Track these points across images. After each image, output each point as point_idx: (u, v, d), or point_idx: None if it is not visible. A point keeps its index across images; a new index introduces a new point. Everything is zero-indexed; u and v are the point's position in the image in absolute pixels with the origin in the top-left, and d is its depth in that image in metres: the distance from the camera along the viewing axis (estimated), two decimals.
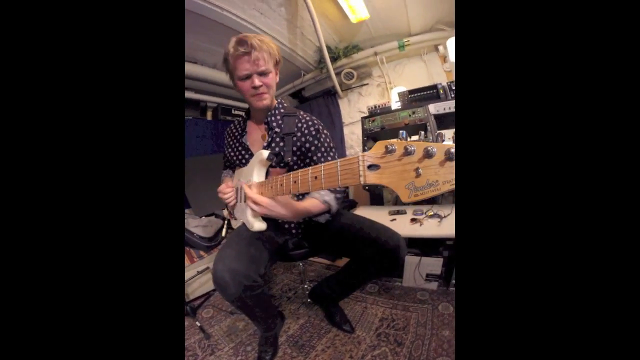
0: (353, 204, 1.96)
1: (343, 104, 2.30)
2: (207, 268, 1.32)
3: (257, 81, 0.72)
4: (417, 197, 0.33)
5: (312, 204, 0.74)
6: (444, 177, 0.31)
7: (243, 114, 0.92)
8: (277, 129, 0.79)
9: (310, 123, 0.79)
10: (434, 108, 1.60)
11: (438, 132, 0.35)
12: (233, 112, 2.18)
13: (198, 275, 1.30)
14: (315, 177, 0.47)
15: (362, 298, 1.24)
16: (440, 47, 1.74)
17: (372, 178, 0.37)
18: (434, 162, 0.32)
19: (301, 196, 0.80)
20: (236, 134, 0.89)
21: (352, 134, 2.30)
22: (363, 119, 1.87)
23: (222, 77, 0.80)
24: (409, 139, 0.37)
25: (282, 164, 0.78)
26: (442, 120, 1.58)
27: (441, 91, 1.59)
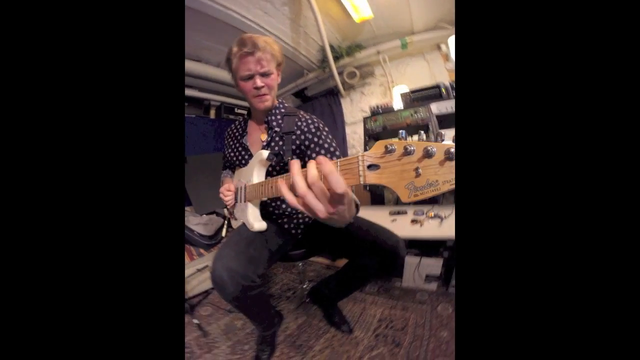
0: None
1: (345, 103, 2.29)
2: (207, 266, 1.32)
3: (259, 82, 0.72)
4: (417, 197, 0.33)
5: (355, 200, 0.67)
6: (444, 177, 0.31)
7: (245, 113, 0.92)
8: (277, 129, 0.79)
9: (310, 121, 0.79)
10: (436, 108, 1.59)
11: (438, 131, 0.35)
12: (236, 110, 2.19)
13: (197, 273, 1.30)
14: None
15: (361, 298, 1.23)
16: (443, 46, 1.73)
17: (372, 178, 0.37)
18: (434, 162, 0.32)
19: None
20: (237, 134, 0.90)
21: (354, 134, 2.30)
22: (365, 118, 1.86)
23: (226, 75, 0.80)
24: (408, 139, 0.37)
25: (281, 164, 0.78)
26: (444, 120, 1.57)
27: (443, 91, 1.58)
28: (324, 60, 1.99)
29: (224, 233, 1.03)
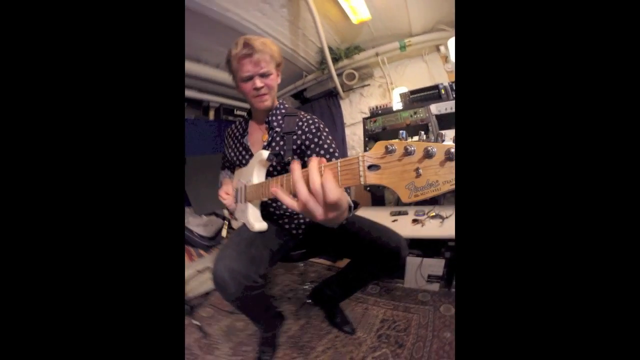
0: (355, 205, 1.95)
1: (345, 105, 2.30)
2: (207, 267, 1.32)
3: (258, 82, 0.73)
4: (417, 197, 0.33)
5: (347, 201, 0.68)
6: (444, 177, 0.31)
7: (245, 114, 0.92)
8: (277, 129, 0.80)
9: (310, 121, 0.79)
10: (435, 108, 1.60)
11: (438, 132, 0.35)
12: (235, 112, 2.19)
13: (197, 275, 1.29)
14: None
15: (363, 299, 1.23)
16: (442, 48, 1.74)
17: (372, 178, 0.37)
18: (434, 162, 0.32)
19: None
20: (237, 134, 0.90)
21: (354, 135, 2.30)
22: (364, 119, 1.87)
23: (225, 77, 0.81)
24: (409, 139, 0.37)
25: (282, 164, 0.78)
26: (443, 121, 1.57)
27: (442, 91, 1.59)
28: (322, 62, 2.00)
29: (224, 234, 1.03)
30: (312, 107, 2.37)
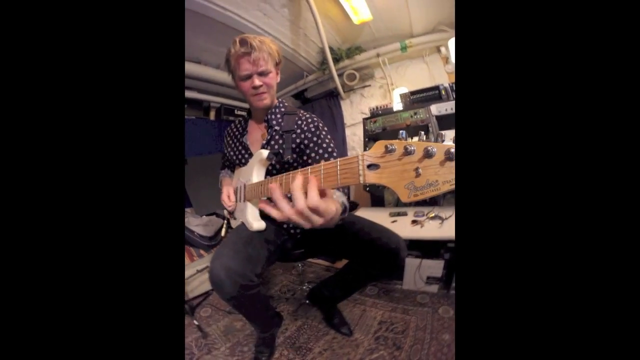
0: (354, 206, 1.95)
1: (345, 105, 2.30)
2: (207, 267, 1.32)
3: (257, 81, 0.73)
4: (417, 197, 0.33)
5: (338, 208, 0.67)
6: (444, 177, 0.31)
7: (245, 114, 0.92)
8: (276, 127, 0.80)
9: (309, 120, 0.79)
10: (435, 109, 1.59)
11: (438, 132, 0.35)
12: (236, 112, 2.19)
13: (197, 274, 1.30)
14: (315, 176, 0.46)
15: (362, 300, 1.22)
16: (443, 49, 1.74)
17: (371, 177, 0.37)
18: (434, 162, 0.32)
19: None
20: (237, 133, 0.90)
21: (354, 135, 2.30)
22: (364, 120, 1.86)
23: (225, 77, 0.81)
24: (409, 140, 0.37)
25: (281, 163, 0.78)
26: (443, 121, 1.57)
27: (443, 92, 1.58)
28: (323, 62, 2.00)
29: (223, 233, 1.03)
30: (313, 107, 2.37)
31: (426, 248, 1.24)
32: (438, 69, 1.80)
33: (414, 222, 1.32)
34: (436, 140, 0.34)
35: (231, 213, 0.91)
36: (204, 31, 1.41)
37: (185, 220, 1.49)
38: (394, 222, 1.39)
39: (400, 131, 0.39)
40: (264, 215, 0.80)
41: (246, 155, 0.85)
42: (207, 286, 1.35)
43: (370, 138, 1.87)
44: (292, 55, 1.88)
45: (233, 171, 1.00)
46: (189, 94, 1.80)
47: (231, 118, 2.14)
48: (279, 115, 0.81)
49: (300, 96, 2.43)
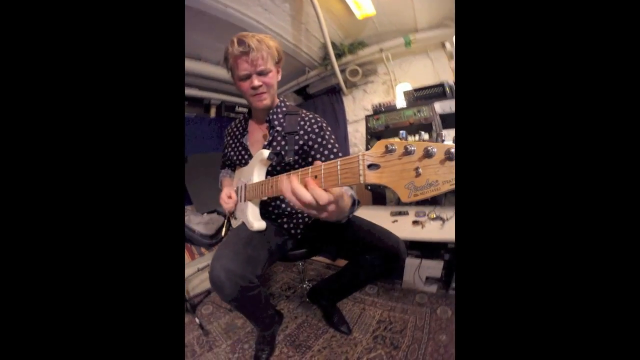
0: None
1: (347, 102, 2.27)
2: (208, 265, 1.34)
3: (256, 81, 0.71)
4: (417, 197, 0.33)
5: (347, 199, 0.63)
6: (444, 176, 0.31)
7: (245, 112, 0.91)
8: (278, 128, 0.79)
9: (313, 121, 0.78)
10: (439, 107, 1.56)
11: (438, 132, 0.35)
12: (237, 109, 2.18)
13: (198, 272, 1.32)
14: (315, 177, 0.46)
15: (361, 299, 1.24)
16: (447, 44, 1.69)
17: (372, 177, 0.37)
18: (434, 162, 0.32)
19: None
20: (237, 133, 0.89)
21: (357, 132, 2.28)
22: (367, 117, 1.84)
23: (226, 74, 0.80)
24: (409, 138, 0.36)
25: (282, 164, 0.77)
26: (447, 120, 1.54)
27: (447, 90, 1.56)
28: (325, 57, 1.97)
29: (223, 233, 1.04)
30: (315, 103, 2.34)
31: (426, 248, 1.24)
32: (443, 65, 1.76)
33: (414, 222, 1.31)
34: (436, 140, 0.34)
35: (232, 213, 0.91)
36: (203, 27, 1.39)
37: (187, 218, 1.51)
38: (394, 221, 1.39)
39: (401, 131, 0.39)
40: (264, 215, 0.81)
41: (246, 156, 0.85)
42: (208, 284, 1.36)
43: (373, 136, 1.85)
44: (294, 50, 1.85)
45: (233, 170, 1.00)
46: (189, 91, 1.79)
47: (232, 115, 2.13)
48: (280, 116, 0.80)
49: (302, 92, 2.41)
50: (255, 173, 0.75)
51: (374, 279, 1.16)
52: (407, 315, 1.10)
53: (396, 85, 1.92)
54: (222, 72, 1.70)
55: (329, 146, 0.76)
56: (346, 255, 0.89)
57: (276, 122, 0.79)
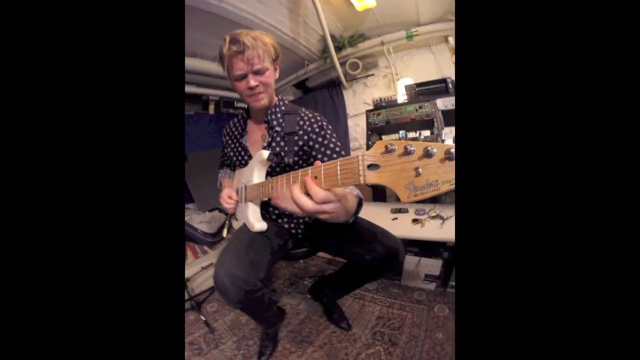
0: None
1: (348, 95, 2.23)
2: (211, 264, 1.37)
3: (252, 82, 0.69)
4: (417, 197, 0.34)
5: (353, 198, 0.62)
6: (444, 176, 0.31)
7: (243, 111, 0.90)
8: (277, 128, 0.78)
9: (312, 120, 0.77)
10: (441, 103, 1.54)
11: (438, 132, 0.35)
12: (236, 104, 2.15)
13: (202, 271, 1.35)
14: (315, 177, 0.47)
15: (361, 295, 1.27)
16: (450, 39, 1.64)
17: (371, 177, 0.37)
18: (434, 162, 0.32)
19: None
20: (236, 133, 0.88)
21: (357, 126, 2.25)
22: (367, 112, 1.82)
23: (223, 69, 0.77)
24: (410, 136, 0.36)
25: (282, 165, 0.77)
26: (449, 117, 1.52)
27: (450, 86, 1.52)
28: (325, 50, 1.92)
29: (224, 234, 1.05)
30: (315, 97, 2.30)
31: (425, 246, 1.26)
32: (445, 60, 1.72)
33: (414, 220, 1.33)
34: (436, 140, 0.34)
35: (232, 214, 0.92)
36: (198, 23, 1.34)
37: (189, 217, 1.53)
38: (394, 219, 1.41)
39: (400, 131, 0.39)
40: (264, 216, 0.81)
41: (246, 157, 0.84)
42: (212, 282, 1.40)
43: (374, 131, 1.83)
44: (292, 44, 1.80)
45: (232, 170, 1.00)
46: (186, 88, 1.77)
47: (231, 111, 2.11)
48: (279, 115, 0.78)
49: (301, 86, 2.36)
50: (256, 174, 0.74)
51: (372, 278, 1.18)
52: (405, 312, 1.13)
53: (398, 80, 1.88)
54: (219, 68, 1.67)
55: (331, 145, 0.75)
56: (346, 255, 0.91)
57: (275, 123, 0.78)
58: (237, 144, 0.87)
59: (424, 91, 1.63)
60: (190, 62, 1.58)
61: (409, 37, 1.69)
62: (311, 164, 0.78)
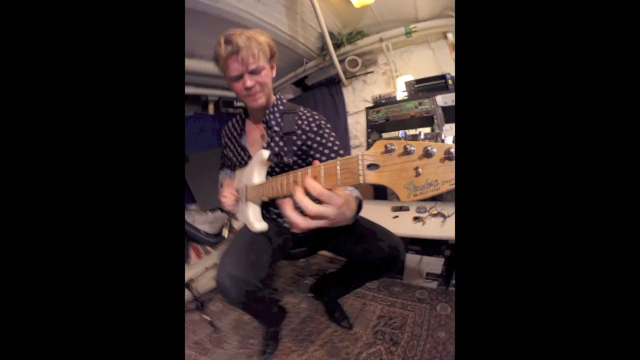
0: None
1: (347, 93, 2.21)
2: (215, 264, 1.38)
3: (248, 82, 0.69)
4: (417, 197, 0.34)
5: (353, 201, 0.62)
6: (444, 176, 0.31)
7: (241, 111, 0.90)
8: (276, 128, 0.77)
9: (311, 119, 0.77)
10: (441, 100, 1.52)
11: (437, 131, 0.35)
12: (235, 104, 2.15)
13: (206, 271, 1.36)
14: (315, 177, 0.46)
15: (362, 294, 1.27)
16: (449, 35, 1.61)
17: (371, 177, 0.37)
18: (434, 162, 0.32)
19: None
20: (234, 134, 0.88)
21: (357, 124, 2.24)
22: (367, 109, 1.81)
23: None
24: (410, 133, 0.36)
25: (281, 165, 0.77)
26: (449, 113, 1.50)
27: (449, 82, 1.50)
28: (323, 48, 1.89)
29: (225, 234, 1.06)
30: (314, 94, 2.29)
31: (427, 244, 1.25)
32: (444, 56, 1.69)
33: (415, 218, 1.32)
34: (436, 140, 0.34)
35: (233, 214, 0.93)
36: (195, 23, 1.33)
37: (191, 218, 1.54)
38: (395, 217, 1.41)
39: (400, 131, 0.38)
40: (265, 216, 0.81)
41: (245, 157, 0.84)
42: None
43: (373, 128, 1.82)
44: (290, 42, 1.78)
45: (233, 170, 1.00)
46: (186, 89, 1.76)
47: (231, 110, 2.10)
48: (277, 115, 0.78)
49: (300, 83, 2.35)
50: (256, 174, 0.74)
51: (373, 277, 1.19)
52: (407, 311, 1.13)
53: (397, 77, 1.86)
54: (216, 68, 1.66)
55: (329, 144, 0.75)
56: (347, 254, 0.91)
57: (273, 122, 0.77)
58: (236, 145, 0.87)
59: (423, 88, 1.62)
60: (188, 63, 1.58)
61: (408, 33, 1.66)
62: (310, 164, 0.78)
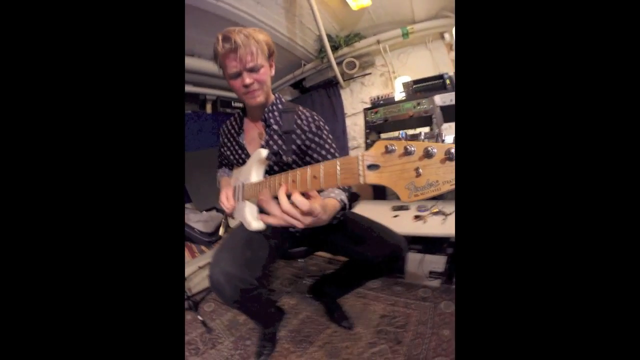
0: (355, 197, 1.93)
1: (345, 95, 2.24)
2: (209, 263, 1.33)
3: (247, 79, 0.69)
4: (417, 197, 0.34)
5: (334, 205, 0.64)
6: (444, 177, 0.31)
7: (240, 110, 0.89)
8: (275, 127, 0.77)
9: (310, 119, 0.77)
10: (440, 99, 1.54)
11: (438, 131, 0.35)
12: (233, 104, 2.15)
13: (199, 270, 1.31)
14: (315, 177, 0.46)
15: (363, 294, 1.23)
16: (446, 35, 1.65)
17: (371, 178, 0.37)
18: (434, 162, 0.32)
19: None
20: (233, 132, 0.87)
21: (355, 125, 2.25)
22: (365, 110, 1.82)
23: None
24: (409, 132, 0.36)
25: (280, 163, 0.76)
26: (448, 113, 1.52)
27: (447, 81, 1.53)
28: (321, 50, 1.93)
29: (221, 232, 1.03)
30: (312, 96, 2.31)
31: (429, 243, 1.23)
32: (442, 56, 1.73)
33: (416, 217, 1.30)
34: (436, 140, 0.34)
35: (230, 214, 0.90)
36: (195, 22, 1.35)
37: (186, 217, 1.50)
38: (395, 216, 1.39)
39: (400, 132, 0.38)
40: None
41: (243, 156, 0.83)
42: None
43: (372, 129, 1.83)
44: (289, 44, 1.81)
45: (231, 169, 0.99)
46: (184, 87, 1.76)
47: (228, 110, 2.10)
48: (276, 114, 0.78)
49: (298, 85, 2.37)
50: (254, 172, 0.73)
51: (374, 276, 1.16)
52: (410, 309, 1.10)
53: (395, 77, 1.89)
54: (215, 67, 1.67)
55: (326, 146, 0.75)
56: (347, 253, 0.88)
57: (272, 121, 0.77)
58: (234, 143, 0.86)
59: (422, 88, 1.64)
60: (187, 61, 1.59)
61: (405, 34, 1.70)
62: (307, 163, 0.76)
